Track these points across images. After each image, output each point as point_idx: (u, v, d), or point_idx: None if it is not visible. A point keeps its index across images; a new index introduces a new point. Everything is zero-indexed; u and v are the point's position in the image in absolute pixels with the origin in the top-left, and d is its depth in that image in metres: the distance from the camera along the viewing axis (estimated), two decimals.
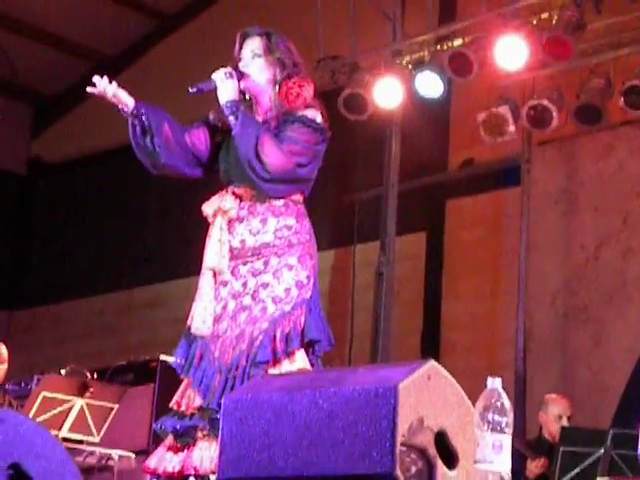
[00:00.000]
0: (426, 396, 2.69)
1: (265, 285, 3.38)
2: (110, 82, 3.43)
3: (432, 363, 2.83)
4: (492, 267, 7.67)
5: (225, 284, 3.43)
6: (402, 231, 7.54)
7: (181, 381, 3.47)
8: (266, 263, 3.40)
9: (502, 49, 6.55)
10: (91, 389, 5.43)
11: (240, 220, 3.45)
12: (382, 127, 7.47)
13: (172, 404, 3.41)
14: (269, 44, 3.50)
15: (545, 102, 6.70)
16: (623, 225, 6.96)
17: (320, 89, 8.20)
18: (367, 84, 7.14)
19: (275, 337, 3.32)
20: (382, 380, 2.67)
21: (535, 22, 6.56)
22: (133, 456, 5.78)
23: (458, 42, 6.88)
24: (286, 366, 3.32)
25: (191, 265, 8.95)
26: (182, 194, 9.25)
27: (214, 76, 3.47)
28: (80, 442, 5.61)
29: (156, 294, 9.20)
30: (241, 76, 3.46)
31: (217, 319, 3.41)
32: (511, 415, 2.63)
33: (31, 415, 5.14)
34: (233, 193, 3.46)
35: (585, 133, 7.00)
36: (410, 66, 7.01)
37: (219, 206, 3.45)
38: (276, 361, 3.32)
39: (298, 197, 3.49)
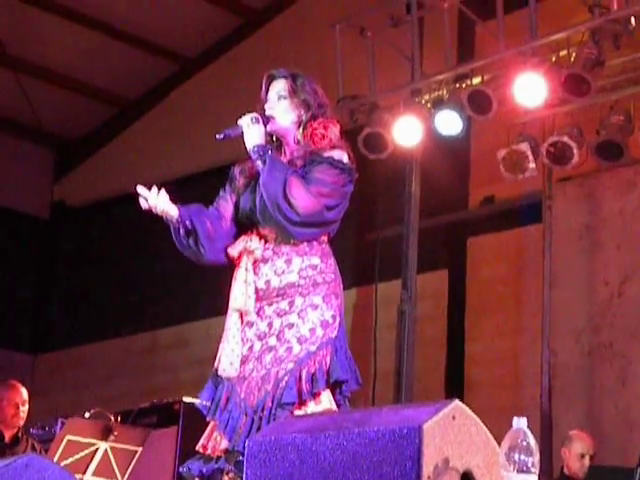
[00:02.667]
0: (451, 436, 2.67)
1: (290, 325, 3.37)
2: (152, 189, 3.41)
3: (456, 403, 2.81)
4: (515, 304, 7.63)
5: (251, 325, 3.43)
6: (424, 269, 7.53)
7: (206, 423, 3.46)
8: (291, 303, 3.39)
9: (521, 86, 6.57)
10: (115, 432, 5.41)
11: (265, 261, 3.45)
12: (402, 165, 7.50)
13: (198, 447, 3.40)
14: (294, 86, 3.51)
15: (565, 139, 6.70)
16: None
17: (343, 128, 8.30)
18: (386, 123, 7.18)
19: (301, 378, 3.30)
20: (406, 420, 2.65)
21: (554, 59, 6.59)
22: None
23: (477, 80, 6.91)
24: (312, 407, 3.29)
25: (212, 306, 8.98)
26: None
27: (240, 122, 3.48)
28: None
29: (178, 335, 9.20)
30: (267, 119, 3.47)
31: (243, 360, 3.40)
32: (537, 455, 2.61)
33: (56, 459, 5.13)
34: (258, 234, 3.47)
35: (606, 169, 6.99)
36: (429, 105, 7.05)
37: (244, 247, 3.46)
38: (302, 402, 3.30)
39: (323, 237, 3.50)
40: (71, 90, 9.68)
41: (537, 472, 2.59)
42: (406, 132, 7.09)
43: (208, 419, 3.42)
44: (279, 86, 3.53)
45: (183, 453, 5.65)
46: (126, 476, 5.55)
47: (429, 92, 7.10)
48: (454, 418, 2.70)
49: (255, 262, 3.44)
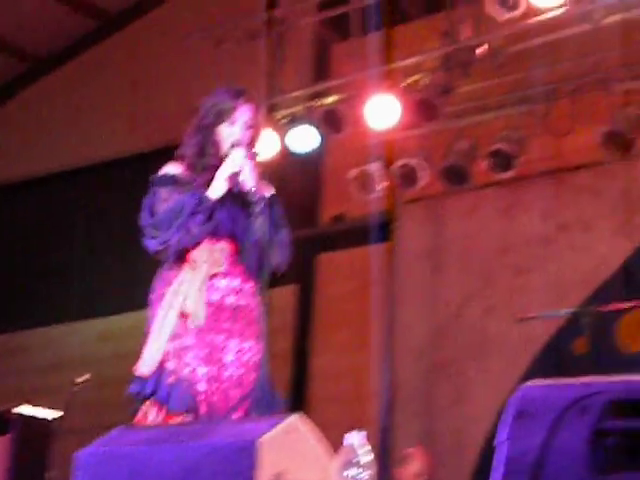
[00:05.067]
0: (287, 451, 2.69)
1: (245, 350, 3.46)
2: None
3: (294, 417, 2.83)
4: (361, 321, 7.75)
5: (207, 332, 3.44)
6: (273, 284, 7.55)
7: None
8: (246, 327, 3.49)
9: (373, 108, 6.71)
10: None
11: (223, 276, 3.49)
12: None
13: None
14: (258, 117, 3.59)
15: (413, 162, 6.87)
16: (485, 283, 7.15)
17: None
18: None
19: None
20: (244, 434, 2.66)
21: (405, 84, 6.75)
22: None
23: (332, 99, 7.01)
24: None
25: (51, 313, 8.72)
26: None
27: (239, 160, 3.50)
28: None
29: (19, 342, 8.93)
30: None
31: (206, 362, 3.41)
32: (369, 470, 2.66)
33: None
34: (219, 247, 3.50)
35: (451, 193, 7.19)
36: (285, 120, 7.10)
37: (211, 257, 3.47)
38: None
39: None
40: None
41: None
42: (260, 147, 7.11)
43: (166, 415, 3.38)
44: (248, 114, 3.54)
45: (17, 465, 5.46)
46: None
47: (285, 108, 7.15)
48: (291, 433, 2.72)
49: (215, 275, 3.47)
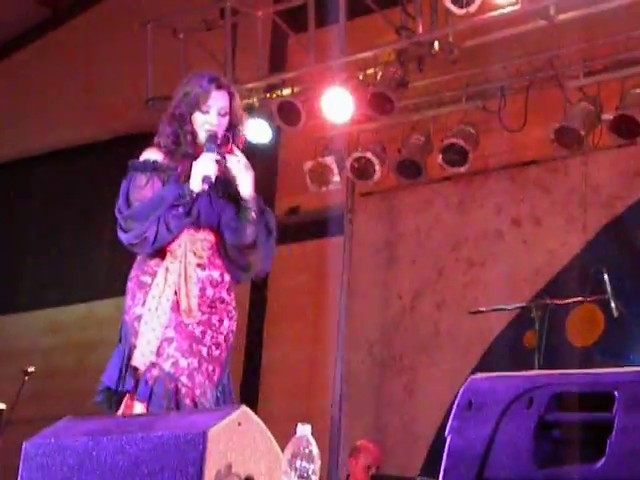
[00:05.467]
0: (236, 442, 2.68)
1: (217, 345, 3.43)
2: None
3: (243, 409, 2.83)
4: (314, 314, 7.76)
5: (187, 325, 3.40)
6: None
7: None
8: (221, 321, 3.45)
9: (329, 101, 6.70)
10: None
11: (202, 267, 3.45)
12: None
13: None
14: (233, 103, 3.52)
15: (368, 155, 6.88)
16: (438, 277, 7.19)
17: (148, 129, 8.20)
18: None
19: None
20: (192, 426, 2.64)
21: (361, 77, 6.75)
22: None
23: (287, 91, 6.99)
24: None
25: (0, 304, 8.59)
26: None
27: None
28: None
29: None
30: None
31: (187, 354, 3.38)
32: (319, 462, 2.66)
33: None
34: (199, 238, 3.46)
35: (405, 187, 7.21)
36: None
37: (192, 248, 3.43)
38: None
39: None
40: None
41: (317, 479, 2.63)
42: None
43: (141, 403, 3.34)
44: (223, 102, 3.48)
45: None
46: None
47: (240, 99, 7.11)
48: (240, 424, 2.72)
49: (195, 266, 3.43)
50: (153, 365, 3.34)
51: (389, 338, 7.30)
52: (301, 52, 6.97)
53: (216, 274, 3.46)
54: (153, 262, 3.44)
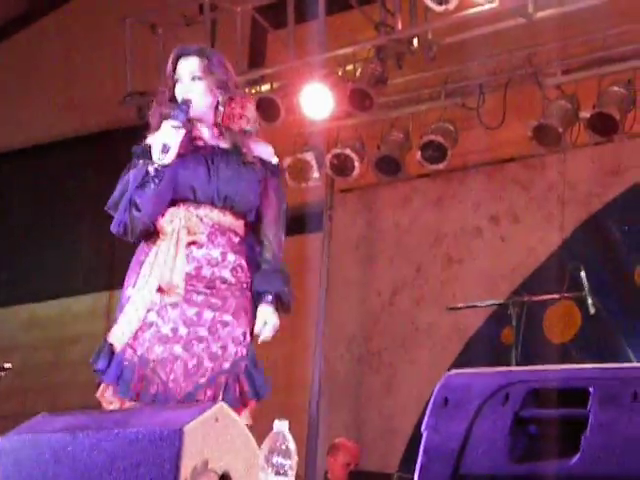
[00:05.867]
0: (212, 438, 2.68)
1: (224, 323, 3.28)
2: None
3: (220, 405, 2.83)
4: (294, 310, 7.74)
5: (175, 306, 3.25)
6: None
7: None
8: (224, 300, 3.30)
9: (308, 97, 6.70)
10: None
11: (199, 246, 3.29)
12: None
13: None
14: (209, 64, 3.33)
15: (348, 151, 6.89)
16: (417, 273, 7.20)
17: (127, 124, 8.18)
18: None
19: (239, 379, 3.28)
20: (168, 422, 2.64)
21: (340, 73, 6.76)
22: None
23: (266, 87, 6.99)
24: (244, 414, 3.26)
25: None
26: None
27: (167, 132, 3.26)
28: None
29: None
30: (186, 106, 3.29)
31: (164, 340, 3.23)
32: (295, 458, 2.66)
33: None
34: (193, 214, 3.29)
35: (385, 183, 7.22)
36: None
37: (186, 225, 3.27)
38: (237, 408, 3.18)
39: (246, 236, 3.39)
40: None
41: (294, 475, 2.64)
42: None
43: (117, 397, 3.24)
44: (192, 65, 3.33)
45: None
46: None
47: None
48: (217, 420, 2.71)
49: (191, 244, 3.28)
50: (128, 346, 3.24)
51: (368, 334, 7.31)
52: (280, 48, 6.97)
53: (216, 253, 3.29)
54: (149, 242, 3.32)
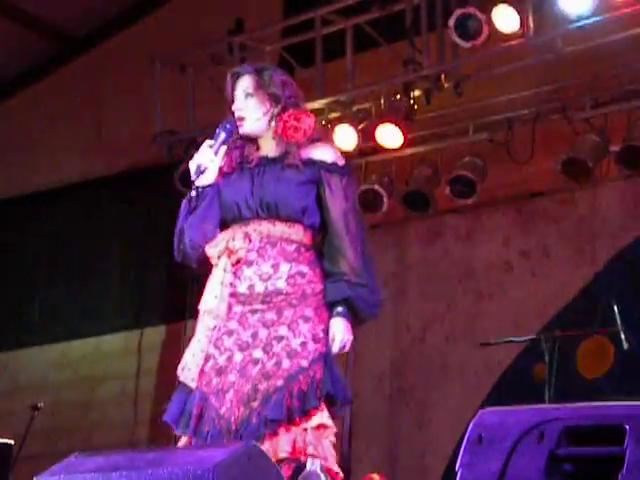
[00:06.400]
0: (245, 477, 2.67)
1: (279, 338, 3.15)
2: None
3: (253, 443, 2.82)
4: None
5: (230, 333, 3.18)
6: None
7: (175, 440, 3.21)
8: (279, 313, 3.18)
9: (337, 133, 6.73)
10: None
11: (249, 264, 3.21)
12: None
13: None
14: (260, 81, 3.31)
15: (376, 187, 6.89)
16: (447, 309, 7.17)
17: (156, 163, 8.23)
18: None
19: (291, 395, 3.10)
20: (201, 461, 2.63)
21: (368, 110, 6.79)
22: None
23: None
24: (302, 425, 3.09)
25: (8, 339, 8.58)
26: None
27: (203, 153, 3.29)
28: None
29: None
30: (236, 122, 3.30)
31: (220, 371, 3.15)
32: None
33: None
34: (242, 232, 3.23)
35: (413, 219, 7.21)
36: None
37: (226, 246, 3.21)
38: (291, 421, 3.08)
39: (309, 241, 3.29)
40: None
41: None
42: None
43: (178, 433, 3.18)
44: (245, 83, 3.34)
45: None
46: None
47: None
48: (249, 459, 2.70)
49: (237, 263, 3.21)
50: (197, 391, 3.15)
51: (398, 370, 7.27)
52: (308, 85, 7.01)
53: (266, 266, 3.20)
54: (212, 269, 3.28)
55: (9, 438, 5.19)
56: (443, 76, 6.39)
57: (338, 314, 3.24)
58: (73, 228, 8.72)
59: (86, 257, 8.63)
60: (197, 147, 7.28)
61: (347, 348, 3.28)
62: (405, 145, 6.72)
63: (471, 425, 2.46)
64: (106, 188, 8.65)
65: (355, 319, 3.32)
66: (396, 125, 6.59)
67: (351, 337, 3.28)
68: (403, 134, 6.61)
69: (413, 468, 6.92)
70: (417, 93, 6.58)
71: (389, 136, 6.65)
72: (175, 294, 8.12)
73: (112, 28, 8.81)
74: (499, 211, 7.11)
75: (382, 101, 6.71)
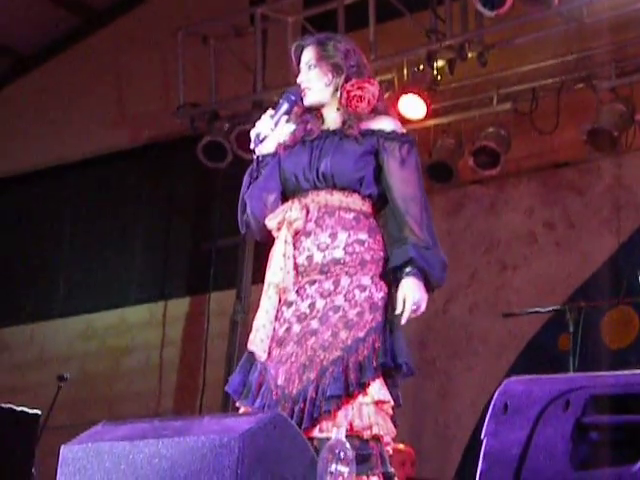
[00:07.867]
0: (271, 445, 2.68)
1: (336, 308, 3.12)
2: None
3: (278, 412, 2.84)
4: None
5: (290, 304, 3.17)
6: (258, 280, 7.54)
7: (234, 408, 3.22)
8: (336, 283, 3.14)
9: None
10: None
11: (307, 234, 3.19)
12: (241, 175, 7.49)
13: None
14: (322, 51, 3.28)
15: None
16: (470, 280, 7.16)
17: (179, 135, 8.22)
18: (226, 132, 7.18)
19: (348, 367, 3.06)
20: (227, 429, 2.65)
21: (391, 80, 6.75)
22: None
23: None
24: (359, 399, 3.05)
25: (35, 310, 8.65)
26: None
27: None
28: None
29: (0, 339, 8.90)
30: (300, 95, 3.29)
31: (280, 342, 3.15)
32: (353, 466, 2.66)
33: None
34: (300, 202, 3.22)
35: (437, 190, 7.19)
36: None
37: (284, 217, 3.19)
38: (349, 394, 3.05)
39: (369, 209, 3.24)
40: None
41: None
42: (246, 143, 7.10)
43: (238, 404, 3.19)
44: (308, 55, 3.30)
45: (4, 460, 5.42)
46: None
47: (270, 104, 7.13)
48: (275, 427, 2.72)
49: (296, 234, 3.19)
50: (258, 362, 3.17)
51: (422, 342, 7.27)
52: None
53: (324, 236, 3.17)
54: (273, 241, 3.28)
55: (36, 408, 5.24)
56: (467, 46, 6.35)
57: (407, 274, 3.14)
58: (97, 200, 8.76)
59: (110, 229, 8.67)
60: (219, 120, 7.34)
61: (422, 308, 3.19)
62: (428, 116, 6.68)
63: (497, 394, 2.46)
64: (129, 160, 8.67)
65: (425, 285, 3.21)
66: (419, 96, 6.55)
67: (425, 296, 3.19)
68: (426, 105, 6.57)
69: (437, 438, 6.94)
70: (440, 63, 6.54)
71: (412, 107, 6.61)
72: (199, 266, 8.16)
73: (134, 0, 8.80)
74: (523, 182, 7.07)
75: (405, 72, 6.67)
